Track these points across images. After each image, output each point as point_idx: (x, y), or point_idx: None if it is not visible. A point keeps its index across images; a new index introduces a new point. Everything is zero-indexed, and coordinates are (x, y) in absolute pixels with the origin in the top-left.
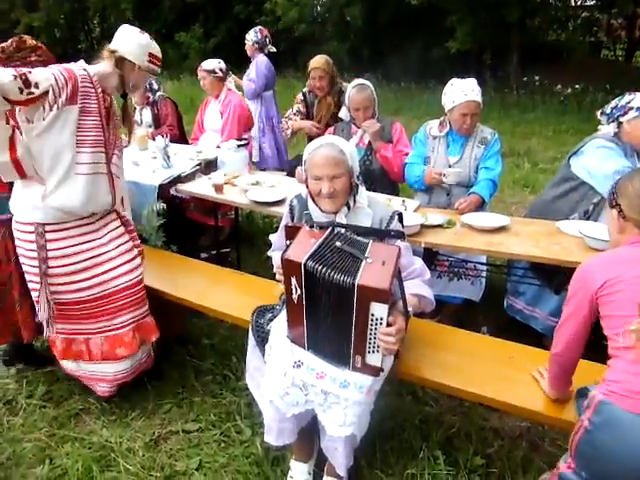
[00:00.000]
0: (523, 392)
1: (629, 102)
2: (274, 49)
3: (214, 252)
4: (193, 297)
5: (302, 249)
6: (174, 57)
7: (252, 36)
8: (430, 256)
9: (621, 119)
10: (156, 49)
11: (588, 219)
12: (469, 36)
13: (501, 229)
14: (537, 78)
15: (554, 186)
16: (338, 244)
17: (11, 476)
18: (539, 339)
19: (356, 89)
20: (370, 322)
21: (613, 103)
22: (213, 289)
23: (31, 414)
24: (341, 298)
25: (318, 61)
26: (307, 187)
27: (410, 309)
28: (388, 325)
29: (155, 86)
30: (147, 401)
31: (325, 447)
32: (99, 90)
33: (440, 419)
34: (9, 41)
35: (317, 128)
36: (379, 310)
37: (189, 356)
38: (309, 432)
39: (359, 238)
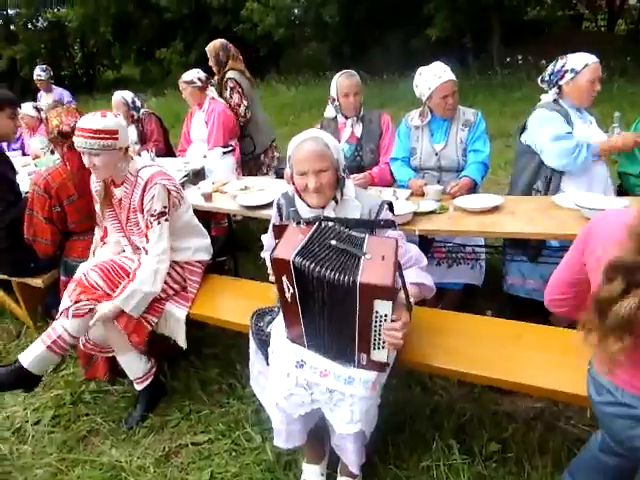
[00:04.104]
0: (534, 371)
1: (563, 65)
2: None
3: (210, 261)
4: (194, 308)
5: (290, 247)
6: (157, 74)
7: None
8: (426, 243)
9: (560, 82)
10: None
11: (550, 183)
12: (448, 22)
13: (495, 209)
14: (520, 57)
15: (516, 163)
16: (333, 242)
17: None
18: (546, 317)
19: (344, 76)
20: (374, 319)
21: (549, 69)
22: (212, 298)
23: (40, 440)
24: (341, 297)
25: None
26: (293, 183)
27: (412, 300)
28: (394, 320)
29: (138, 104)
30: (154, 416)
31: (336, 446)
32: None
33: (451, 408)
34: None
35: None
36: (383, 307)
37: (192, 367)
38: (319, 433)
39: (354, 233)
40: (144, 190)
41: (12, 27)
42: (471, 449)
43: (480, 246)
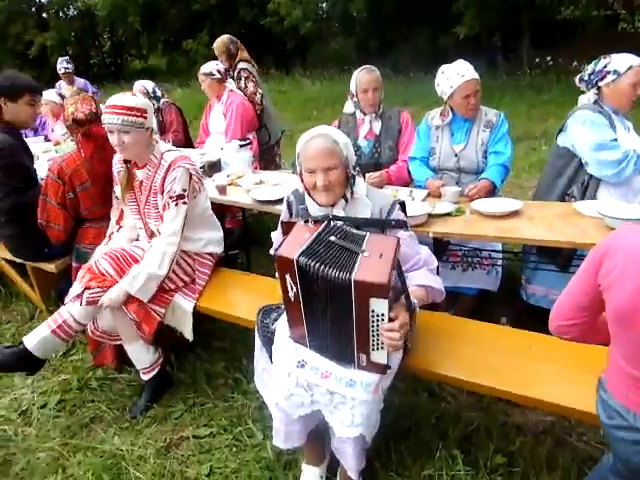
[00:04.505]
0: (543, 384)
1: (605, 66)
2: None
3: (223, 254)
4: (202, 301)
5: (295, 245)
6: (183, 64)
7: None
8: (441, 246)
9: (600, 84)
10: None
11: (586, 189)
12: (477, 20)
13: (514, 214)
14: (550, 58)
15: (550, 167)
16: (332, 238)
17: None
18: None
19: (364, 71)
20: (371, 319)
21: (590, 69)
22: (222, 292)
23: (45, 424)
24: (339, 295)
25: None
26: (302, 181)
27: (415, 301)
28: (390, 320)
29: (159, 93)
30: (158, 407)
31: (335, 449)
32: None
33: (458, 416)
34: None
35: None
36: (379, 306)
37: (199, 360)
38: (319, 435)
39: (355, 231)
40: (167, 172)
41: (44, 15)
42: (476, 460)
43: (497, 251)
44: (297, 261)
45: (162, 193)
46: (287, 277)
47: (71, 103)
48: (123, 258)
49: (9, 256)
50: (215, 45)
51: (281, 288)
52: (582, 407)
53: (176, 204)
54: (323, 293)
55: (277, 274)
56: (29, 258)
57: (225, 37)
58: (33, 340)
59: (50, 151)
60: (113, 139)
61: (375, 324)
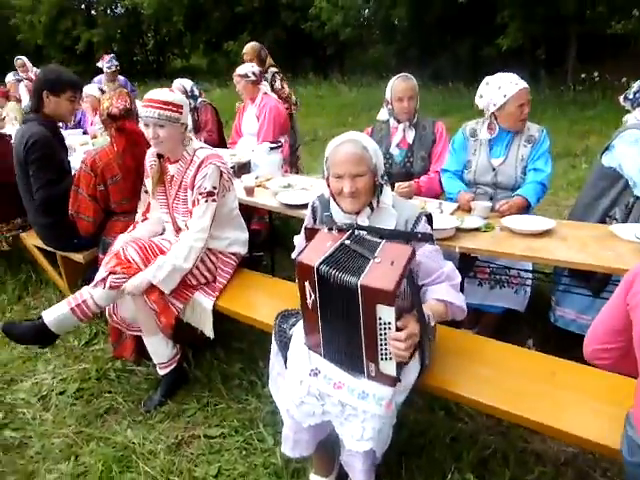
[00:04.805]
0: (565, 414)
1: None
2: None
3: (247, 255)
4: (221, 300)
5: (317, 252)
6: (223, 65)
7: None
8: (468, 262)
9: None
10: None
11: (630, 212)
12: (521, 31)
13: (545, 233)
14: (596, 74)
15: (591, 187)
16: (347, 242)
17: (38, 470)
18: None
19: (400, 79)
20: (378, 326)
21: (636, 87)
22: (242, 292)
23: (62, 410)
24: (349, 301)
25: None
26: (328, 186)
27: (429, 314)
28: (398, 330)
29: (196, 92)
30: (172, 403)
31: (345, 462)
32: None
33: (475, 438)
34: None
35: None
36: (386, 313)
37: (216, 359)
38: (329, 445)
39: (371, 237)
40: (198, 168)
41: (93, 12)
42: None
43: (527, 270)
44: (317, 269)
45: (192, 189)
46: (306, 284)
47: (107, 98)
48: (150, 248)
49: (41, 244)
50: (245, 51)
51: (300, 295)
52: (607, 442)
53: (206, 200)
54: (339, 300)
55: (297, 280)
56: (59, 247)
57: (254, 43)
58: (51, 315)
59: (87, 144)
60: (148, 132)
61: (383, 332)
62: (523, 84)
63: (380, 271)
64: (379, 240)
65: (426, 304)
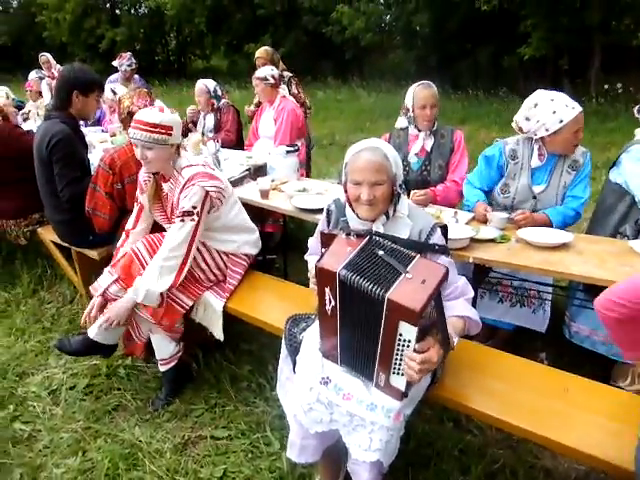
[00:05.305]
0: (578, 431)
1: None
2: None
3: (260, 258)
4: (231, 301)
5: (337, 258)
6: (243, 67)
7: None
8: (481, 273)
9: None
10: None
11: None
12: (544, 41)
13: (562, 246)
14: (620, 85)
15: (602, 202)
16: (380, 252)
17: (46, 464)
18: (607, 372)
19: (422, 86)
20: (397, 341)
21: None
22: (253, 295)
23: (71, 405)
24: (371, 309)
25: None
26: (345, 191)
27: (456, 339)
28: (416, 351)
29: (219, 93)
30: (180, 403)
31: (351, 470)
32: None
33: (483, 451)
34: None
35: None
36: (408, 331)
37: (226, 361)
38: (336, 453)
39: (405, 250)
40: (183, 188)
41: (117, 11)
42: None
43: (546, 284)
44: (339, 274)
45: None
46: (326, 290)
47: (127, 97)
48: (159, 242)
49: (57, 239)
50: (259, 54)
51: (318, 300)
52: (620, 462)
53: (182, 220)
54: (360, 307)
55: (312, 283)
56: (75, 243)
57: (267, 47)
58: (92, 330)
59: (106, 142)
60: (137, 152)
61: (400, 348)
62: (579, 108)
63: (410, 288)
64: (414, 254)
65: (449, 323)
